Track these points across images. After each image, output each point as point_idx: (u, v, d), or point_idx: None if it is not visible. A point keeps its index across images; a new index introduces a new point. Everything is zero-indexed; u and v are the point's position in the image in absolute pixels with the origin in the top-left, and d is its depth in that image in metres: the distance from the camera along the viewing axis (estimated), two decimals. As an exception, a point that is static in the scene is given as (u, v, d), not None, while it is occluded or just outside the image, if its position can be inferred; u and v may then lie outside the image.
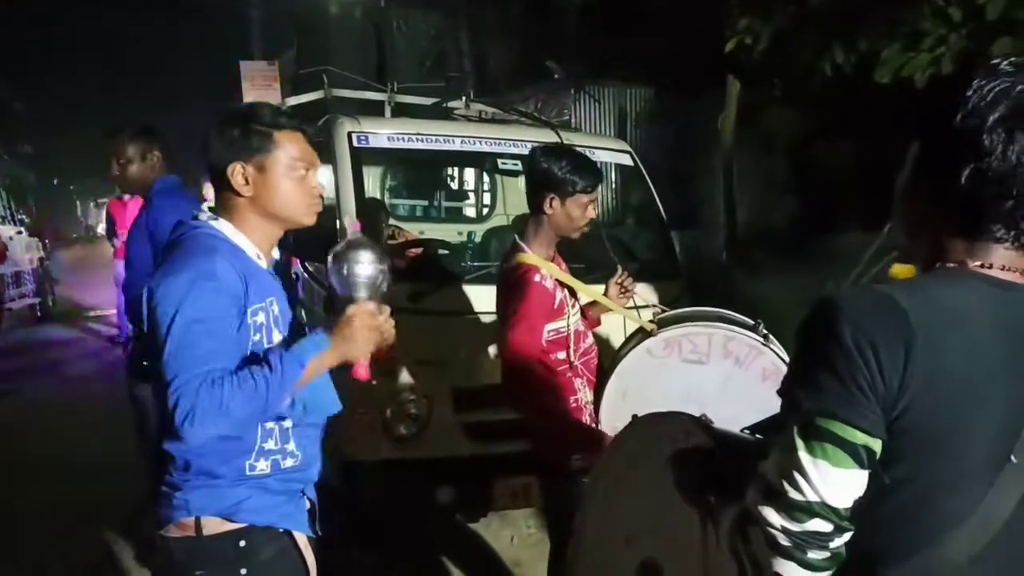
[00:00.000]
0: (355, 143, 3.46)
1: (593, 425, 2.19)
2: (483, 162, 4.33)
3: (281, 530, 1.67)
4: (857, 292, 1.02)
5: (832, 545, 0.95)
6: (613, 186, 7.77)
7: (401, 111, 4.42)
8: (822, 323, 0.97)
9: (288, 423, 1.65)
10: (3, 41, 31.71)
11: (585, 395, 2.33)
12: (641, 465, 1.44)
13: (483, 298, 3.22)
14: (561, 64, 9.45)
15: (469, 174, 5.70)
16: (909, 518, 0.96)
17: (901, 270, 2.58)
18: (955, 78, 0.99)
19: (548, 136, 3.82)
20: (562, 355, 2.29)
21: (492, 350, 3.23)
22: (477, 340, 3.21)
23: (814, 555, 0.94)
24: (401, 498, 3.16)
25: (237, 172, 1.61)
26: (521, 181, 4.87)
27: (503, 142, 3.75)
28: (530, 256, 2.28)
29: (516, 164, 3.66)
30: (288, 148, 1.63)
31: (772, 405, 2.14)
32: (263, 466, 1.62)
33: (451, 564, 3.49)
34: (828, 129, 8.68)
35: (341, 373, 1.65)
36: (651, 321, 2.26)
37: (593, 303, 2.55)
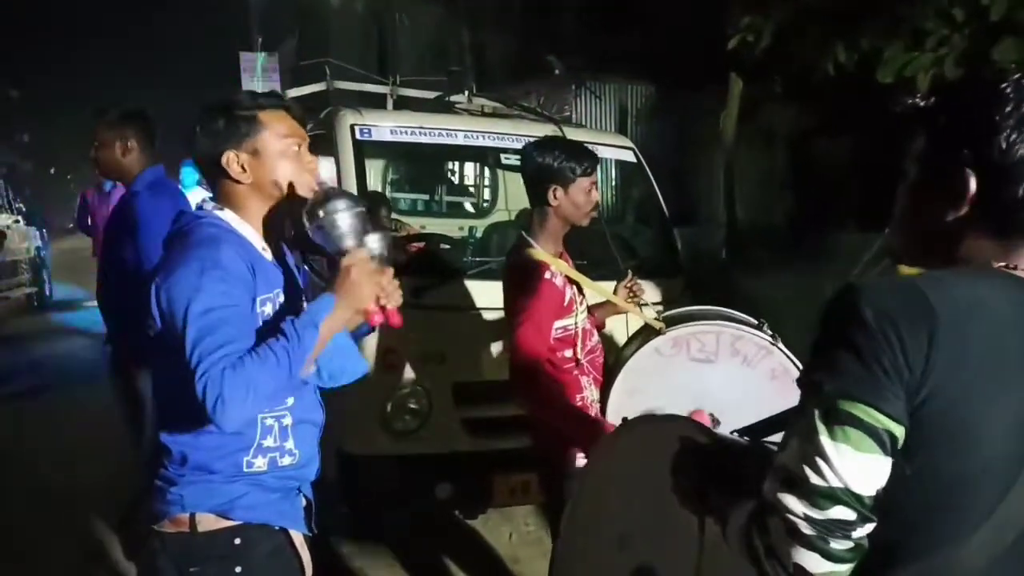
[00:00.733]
0: (358, 136, 3.43)
1: (599, 423, 2.17)
2: (486, 157, 4.30)
3: (276, 528, 1.65)
4: (879, 279, 1.01)
5: (855, 535, 0.92)
6: (615, 183, 7.75)
7: (402, 104, 4.40)
8: (844, 306, 0.95)
9: (288, 420, 1.63)
10: (-1, 28, 31.56)
11: (591, 393, 2.31)
12: (633, 465, 1.43)
13: (485, 293, 3.21)
14: (561, 60, 9.42)
15: (471, 168, 5.68)
16: (928, 513, 0.95)
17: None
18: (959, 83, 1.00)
19: (551, 131, 3.79)
20: (569, 353, 2.28)
21: (494, 346, 3.23)
22: (478, 335, 3.19)
23: (837, 545, 0.92)
24: (399, 493, 3.15)
25: (232, 160, 1.60)
26: (523, 176, 4.87)
27: (507, 137, 3.72)
28: (538, 252, 2.27)
29: (519, 159, 3.63)
30: (276, 127, 1.62)
31: (780, 405, 2.13)
32: (260, 463, 1.60)
33: (449, 560, 3.48)
34: (828, 127, 8.67)
35: None
36: (658, 319, 2.24)
37: (599, 304, 2.53)
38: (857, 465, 0.91)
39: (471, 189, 5.75)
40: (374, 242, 1.61)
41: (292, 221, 1.74)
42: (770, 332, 2.17)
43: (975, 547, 0.93)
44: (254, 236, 1.63)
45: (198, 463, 1.57)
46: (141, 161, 3.03)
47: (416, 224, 4.70)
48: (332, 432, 1.82)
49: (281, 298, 1.62)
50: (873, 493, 0.92)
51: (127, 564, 3.32)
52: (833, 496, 0.91)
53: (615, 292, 2.50)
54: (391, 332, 1.84)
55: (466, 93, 4.42)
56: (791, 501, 0.93)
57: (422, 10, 12.16)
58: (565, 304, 2.26)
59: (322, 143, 3.38)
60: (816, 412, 0.94)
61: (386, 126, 3.58)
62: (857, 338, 0.93)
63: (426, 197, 5.52)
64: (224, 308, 1.47)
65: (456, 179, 5.84)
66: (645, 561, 1.38)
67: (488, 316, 3.19)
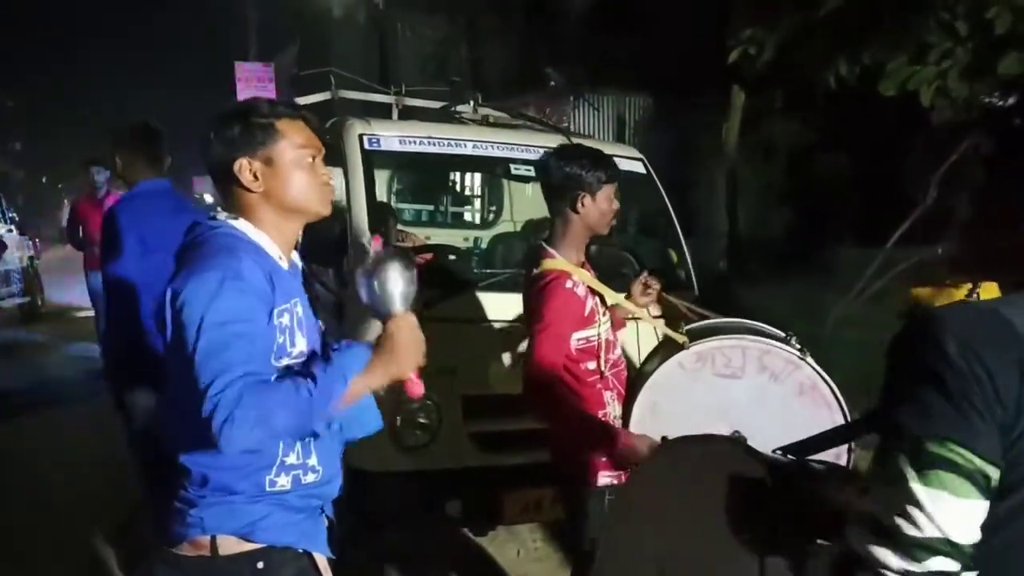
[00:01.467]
0: (366, 145, 3.38)
1: (621, 435, 2.11)
2: (494, 167, 4.26)
3: (300, 551, 1.59)
4: (957, 307, 0.95)
5: None
6: (623, 195, 7.72)
7: (407, 114, 4.36)
8: (924, 339, 0.89)
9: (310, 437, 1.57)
10: (-7, 37, 31.45)
11: (614, 409, 2.26)
12: (674, 490, 1.37)
13: (495, 305, 3.16)
14: (559, 72, 9.43)
15: (476, 179, 5.64)
16: (1018, 554, 0.89)
17: (923, 293, 2.53)
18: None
19: (558, 141, 3.75)
20: (592, 365, 2.23)
21: (505, 358, 3.17)
22: (489, 348, 3.14)
23: None
24: (409, 510, 3.08)
25: (244, 168, 1.54)
26: (530, 187, 4.82)
27: (516, 147, 3.68)
28: (559, 261, 2.22)
29: (529, 170, 3.59)
30: (292, 136, 1.57)
31: (808, 421, 2.08)
32: (284, 482, 1.54)
33: (456, 578, 3.41)
34: (828, 141, 8.69)
35: None
36: (681, 332, 2.19)
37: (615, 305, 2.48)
38: (955, 511, 0.85)
39: (476, 200, 5.71)
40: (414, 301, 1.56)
41: (304, 232, 1.69)
42: (798, 345, 2.13)
43: None
44: (270, 245, 1.58)
45: (219, 484, 1.51)
46: (143, 175, 3.07)
47: (421, 235, 4.65)
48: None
49: (299, 308, 1.57)
50: (973, 540, 0.86)
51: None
52: (932, 547, 0.85)
53: (631, 289, 2.45)
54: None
55: (471, 103, 4.38)
56: (885, 555, 0.87)
57: (422, 21, 12.20)
58: (586, 314, 2.22)
59: (328, 153, 3.33)
60: (902, 456, 0.87)
61: (395, 136, 3.53)
62: (941, 373, 0.86)
63: (431, 207, 5.48)
64: (242, 323, 1.41)
65: (461, 189, 5.80)
66: None
67: (499, 328, 3.13)
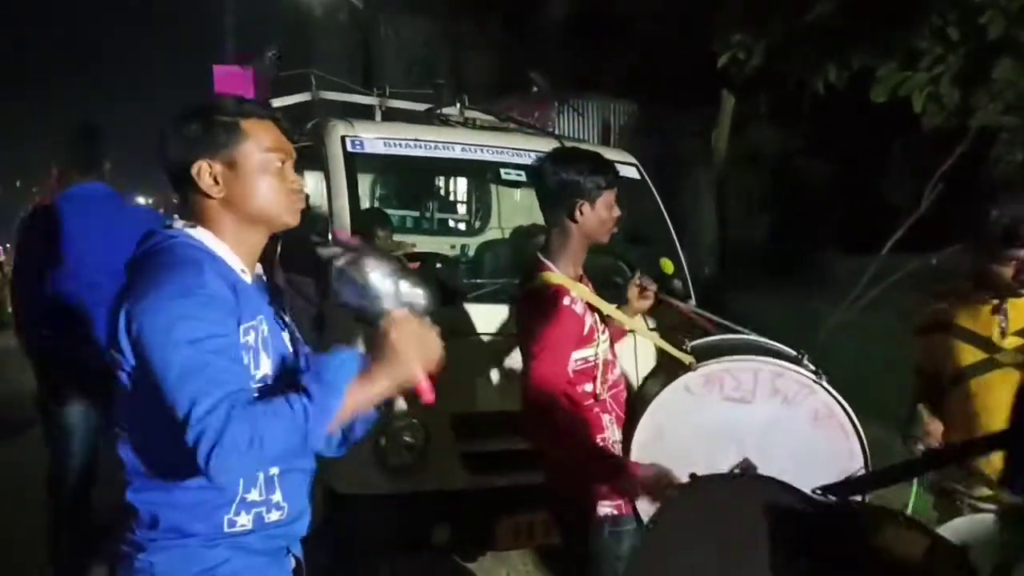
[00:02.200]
0: (349, 148, 3.22)
1: (624, 463, 1.96)
2: (483, 171, 4.10)
3: None
4: None
5: None
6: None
7: (390, 116, 4.19)
8: None
9: (274, 470, 1.41)
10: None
11: (613, 433, 2.10)
12: (704, 532, 1.24)
13: (486, 318, 3.02)
14: (544, 76, 9.30)
15: (463, 184, 5.48)
16: None
17: (944, 308, 2.39)
18: None
19: (550, 145, 3.60)
20: (588, 387, 2.08)
21: (495, 374, 3.02)
22: (480, 363, 2.99)
23: None
24: (394, 536, 2.91)
25: (204, 171, 1.39)
26: (519, 192, 4.67)
27: (505, 150, 3.53)
28: (557, 275, 2.07)
29: (520, 174, 3.44)
30: (259, 138, 1.42)
31: (822, 449, 1.93)
32: (244, 521, 1.39)
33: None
34: (814, 147, 8.64)
35: None
36: (685, 351, 2.03)
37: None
38: None
39: (463, 205, 5.54)
40: (417, 296, 1.38)
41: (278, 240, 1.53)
42: (812, 367, 1.98)
43: None
44: (231, 257, 1.42)
45: (171, 524, 1.35)
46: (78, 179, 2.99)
47: (407, 242, 4.48)
48: (320, 469, 1.59)
49: (264, 327, 1.41)
50: None
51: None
52: None
53: (626, 293, 2.28)
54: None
55: (458, 105, 4.22)
56: None
57: (405, 22, 12.07)
58: (585, 333, 2.07)
59: (308, 157, 3.17)
60: None
61: (379, 138, 3.38)
62: None
63: (415, 214, 5.31)
64: (215, 338, 1.26)
65: (447, 195, 5.64)
66: None
67: (490, 342, 2.98)
